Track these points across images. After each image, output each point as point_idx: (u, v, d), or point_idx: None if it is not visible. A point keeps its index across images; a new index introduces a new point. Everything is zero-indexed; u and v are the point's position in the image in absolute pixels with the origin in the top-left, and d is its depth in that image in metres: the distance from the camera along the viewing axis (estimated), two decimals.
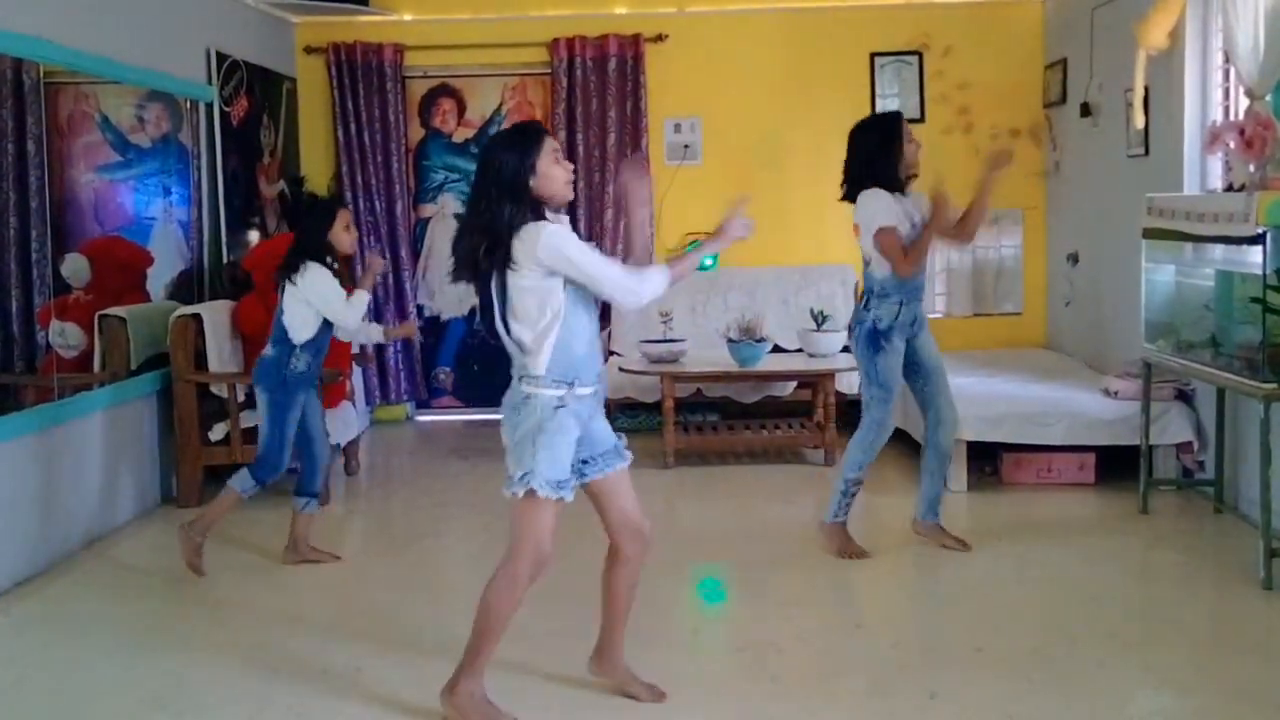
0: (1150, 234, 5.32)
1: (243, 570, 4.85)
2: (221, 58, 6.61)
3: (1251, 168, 4.70)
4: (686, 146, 7.79)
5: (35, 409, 4.94)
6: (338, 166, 7.76)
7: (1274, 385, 4.39)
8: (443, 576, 4.96)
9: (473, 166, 7.83)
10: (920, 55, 7.70)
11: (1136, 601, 4.48)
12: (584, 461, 3.31)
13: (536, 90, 7.89)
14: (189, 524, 4.71)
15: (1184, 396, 5.74)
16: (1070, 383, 6.34)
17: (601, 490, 3.37)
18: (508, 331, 3.24)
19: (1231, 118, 5.29)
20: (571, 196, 3.31)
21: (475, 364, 8.03)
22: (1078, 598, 4.37)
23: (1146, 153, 6.10)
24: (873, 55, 7.72)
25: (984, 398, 5.97)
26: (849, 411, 7.05)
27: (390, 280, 7.81)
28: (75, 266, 5.44)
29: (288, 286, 4.60)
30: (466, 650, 3.33)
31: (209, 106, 6.49)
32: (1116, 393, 5.88)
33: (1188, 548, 4.99)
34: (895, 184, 4.65)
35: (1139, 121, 5.84)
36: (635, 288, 3.17)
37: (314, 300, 4.58)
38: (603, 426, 3.38)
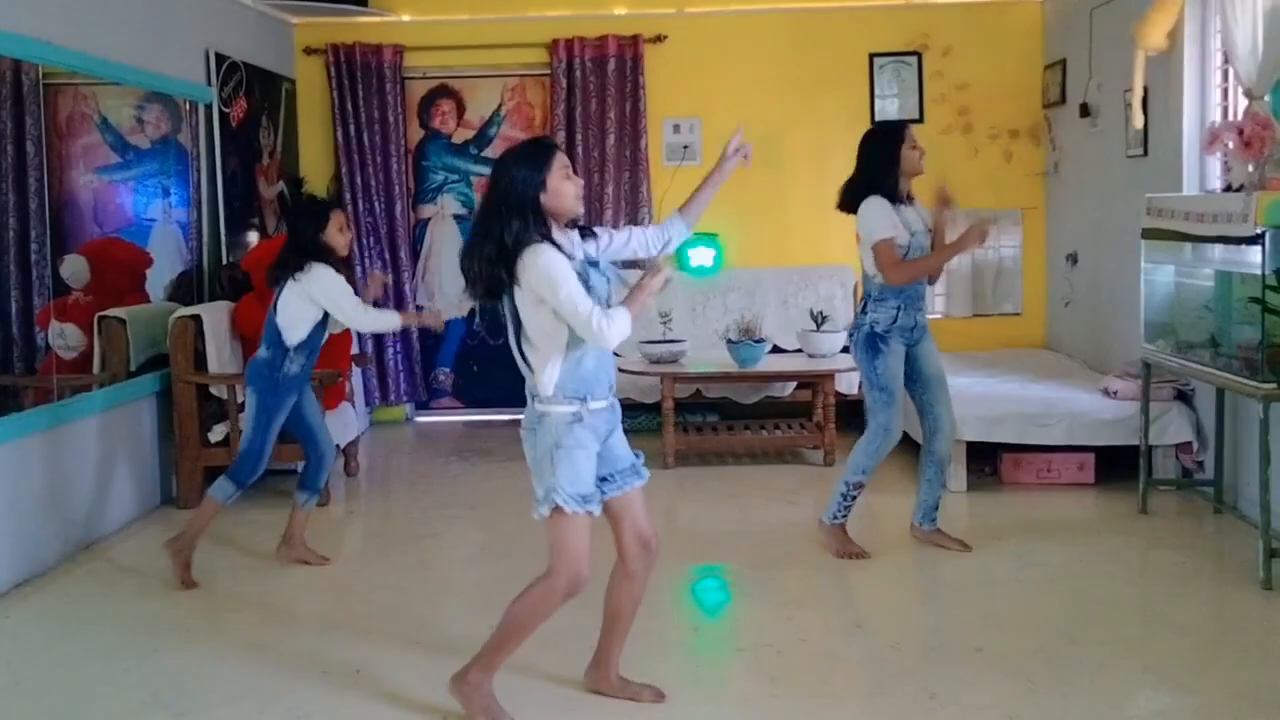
0: (1149, 234, 5.32)
1: (242, 571, 4.85)
2: (221, 59, 6.61)
3: (1250, 168, 4.71)
4: (686, 147, 7.79)
5: (35, 410, 4.94)
6: (337, 167, 7.76)
7: (1273, 385, 4.40)
8: (442, 577, 4.96)
9: (471, 167, 7.93)
10: (919, 56, 7.71)
11: (1136, 601, 4.48)
12: (602, 479, 3.32)
13: (536, 91, 7.89)
14: (174, 539, 4.68)
15: (1183, 397, 5.74)
16: (1070, 383, 6.34)
17: (617, 507, 3.38)
18: (520, 351, 3.26)
19: (1230, 118, 5.30)
20: (581, 211, 3.33)
21: (475, 365, 8.03)
22: (1078, 598, 4.37)
23: (1145, 153, 6.11)
24: (872, 56, 7.72)
25: (984, 398, 5.98)
26: (848, 412, 7.07)
27: (390, 281, 7.81)
28: (74, 268, 5.44)
29: (289, 284, 4.56)
30: (486, 645, 3.37)
31: (208, 107, 6.49)
32: (1116, 393, 5.88)
33: (1187, 548, 4.99)
34: (895, 193, 4.64)
35: (1138, 122, 5.84)
36: (603, 333, 3.14)
37: (322, 300, 4.56)
38: (621, 442, 3.39)
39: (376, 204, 7.74)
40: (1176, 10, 5.57)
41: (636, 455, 3.44)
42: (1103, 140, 6.70)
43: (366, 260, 7.74)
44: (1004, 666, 3.71)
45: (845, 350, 6.19)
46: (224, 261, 6.58)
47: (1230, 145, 4.77)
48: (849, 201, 4.73)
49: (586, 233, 3.39)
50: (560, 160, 3.23)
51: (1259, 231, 4.39)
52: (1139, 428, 5.43)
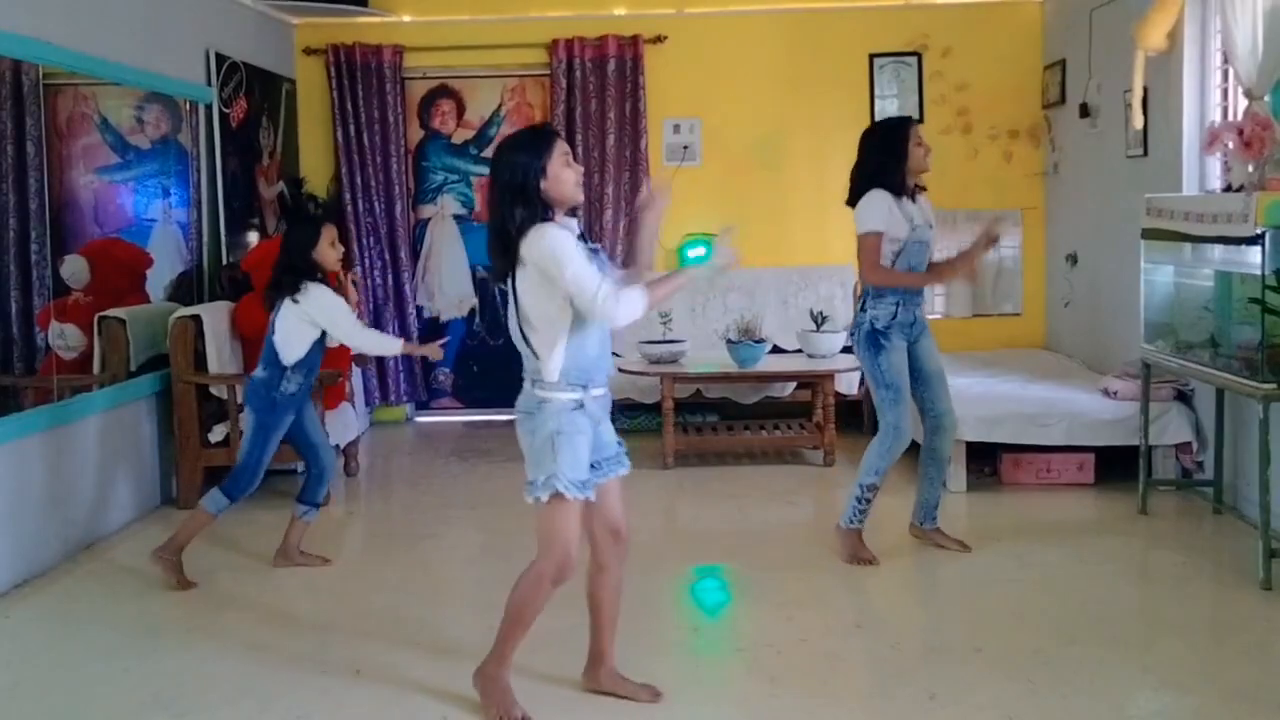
0: (1149, 234, 5.32)
1: (242, 571, 4.85)
2: (221, 59, 6.61)
3: (1250, 168, 4.71)
4: (686, 147, 7.79)
5: (35, 410, 4.94)
6: (337, 168, 7.76)
7: (1273, 385, 4.40)
8: (442, 577, 4.96)
9: (471, 167, 7.93)
10: (919, 56, 7.71)
11: (1136, 601, 4.48)
12: (591, 465, 3.32)
13: (536, 91, 7.89)
14: (161, 548, 4.66)
15: (1183, 397, 5.75)
16: (1069, 383, 6.34)
17: (599, 492, 3.37)
18: (523, 335, 3.25)
19: (1230, 118, 5.30)
20: (581, 199, 3.32)
21: (475, 365, 8.03)
22: (1078, 598, 4.37)
23: (1145, 153, 6.11)
24: (872, 56, 7.72)
25: (983, 398, 5.98)
26: (848, 412, 7.08)
27: (390, 281, 7.82)
28: (74, 268, 5.44)
29: (286, 305, 4.55)
30: (496, 639, 3.40)
31: (208, 108, 6.50)
32: (1116, 393, 5.88)
33: (1187, 548, 4.99)
34: (900, 188, 4.63)
35: (1138, 122, 5.84)
36: (612, 311, 3.14)
37: (321, 320, 4.55)
38: (608, 430, 3.40)
39: (376, 204, 7.74)
40: (1176, 10, 5.57)
41: (619, 443, 3.45)
42: (1102, 140, 6.70)
43: (367, 260, 7.74)
44: (1004, 666, 3.71)
45: (846, 350, 6.19)
46: (224, 262, 6.58)
47: (1230, 145, 4.77)
48: (854, 196, 4.70)
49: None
50: (560, 147, 3.23)
51: (1259, 232, 4.39)
52: (1139, 428, 5.43)
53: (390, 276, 7.81)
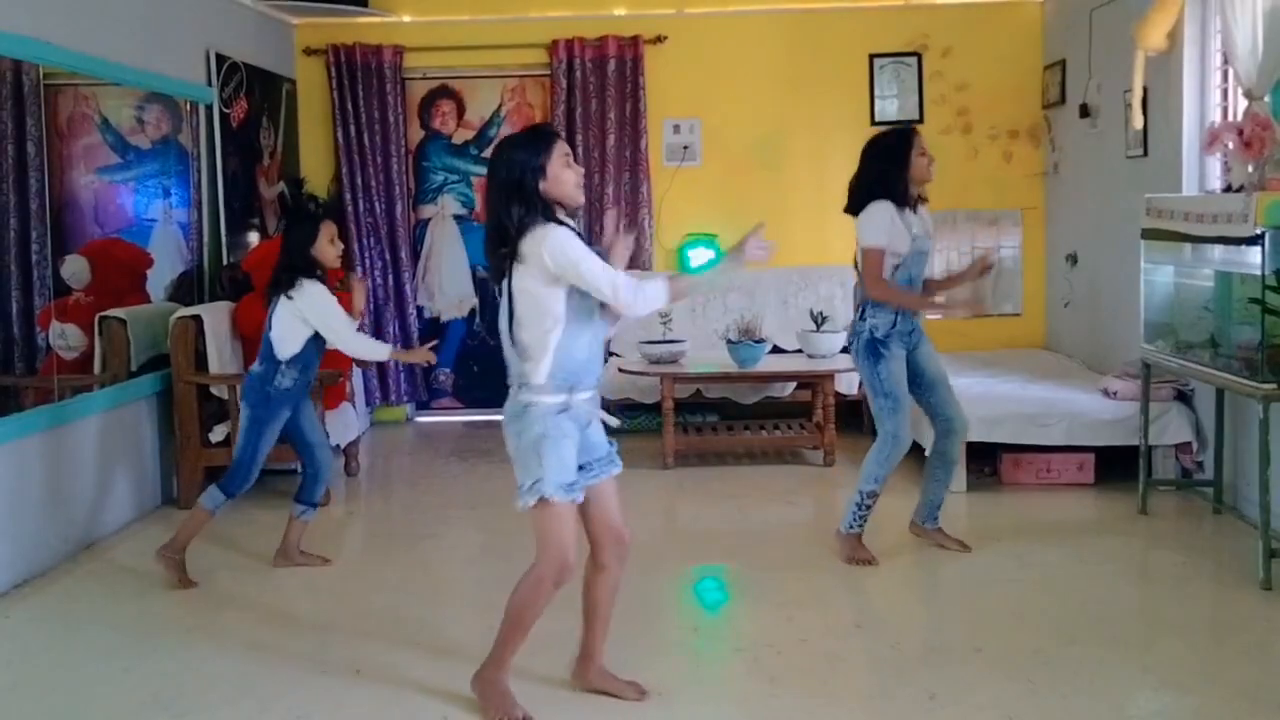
0: (1149, 235, 5.32)
1: (242, 571, 4.86)
2: (221, 59, 6.62)
3: (1250, 168, 4.71)
4: (686, 147, 7.80)
5: (35, 410, 4.94)
6: (337, 168, 7.76)
7: (1273, 386, 4.40)
8: (442, 577, 4.96)
9: (472, 167, 7.93)
10: (919, 56, 7.71)
11: (1136, 601, 4.49)
12: (580, 467, 3.31)
13: (536, 91, 7.89)
14: (164, 547, 4.69)
15: (1183, 397, 5.75)
16: (1069, 383, 6.35)
17: (589, 497, 3.37)
18: (511, 336, 3.24)
19: (1230, 118, 5.30)
20: (582, 200, 3.32)
21: (475, 365, 8.04)
22: (1078, 598, 4.37)
23: (1145, 153, 6.11)
24: (871, 56, 7.72)
25: (983, 398, 5.97)
26: (848, 412, 7.08)
27: (390, 281, 7.82)
28: (75, 268, 5.44)
29: (281, 302, 4.56)
30: (495, 643, 3.40)
31: (209, 108, 6.50)
32: (1115, 393, 5.88)
33: (1187, 548, 4.99)
34: (902, 198, 4.61)
35: (1138, 122, 5.84)
36: (631, 300, 3.16)
37: (313, 319, 4.55)
38: (598, 431, 3.39)
39: (377, 204, 7.74)
40: (1176, 10, 5.57)
41: (611, 444, 3.43)
42: (1102, 141, 6.70)
43: (367, 260, 7.75)
44: (1004, 666, 3.71)
45: (845, 351, 6.19)
46: (224, 262, 6.58)
47: (1230, 146, 4.77)
48: (854, 205, 4.69)
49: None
50: (560, 148, 3.23)
51: (1259, 232, 4.39)
52: (1139, 428, 5.43)
53: (390, 276, 7.81)
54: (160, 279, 6.19)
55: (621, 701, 3.51)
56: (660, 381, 6.56)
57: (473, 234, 7.92)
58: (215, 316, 5.90)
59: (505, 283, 3.21)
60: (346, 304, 4.74)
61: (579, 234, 3.25)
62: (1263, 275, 4.41)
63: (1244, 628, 4.13)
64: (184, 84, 6.23)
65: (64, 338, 5.31)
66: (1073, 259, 7.24)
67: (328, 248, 4.63)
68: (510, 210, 3.16)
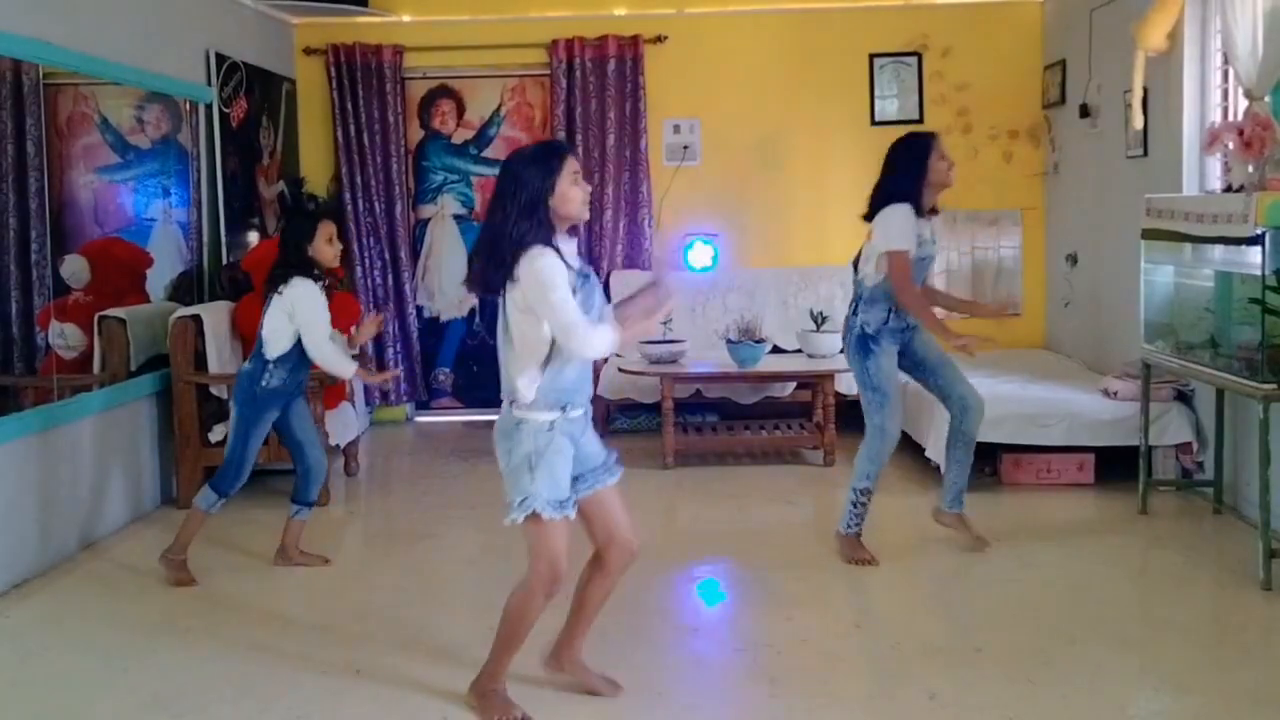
0: (1149, 235, 5.32)
1: (242, 571, 4.86)
2: (221, 59, 6.61)
3: (1250, 168, 4.71)
4: (686, 147, 7.79)
5: (35, 410, 4.94)
6: (337, 168, 7.76)
7: (1273, 386, 4.40)
8: (442, 577, 4.95)
9: (471, 167, 7.92)
10: (919, 56, 7.71)
11: (1136, 602, 4.48)
12: (575, 478, 3.31)
13: (536, 91, 7.89)
14: (166, 550, 4.71)
15: (1183, 397, 5.75)
16: (1069, 383, 6.34)
17: (589, 506, 3.37)
18: (504, 352, 3.25)
19: (1230, 118, 5.29)
20: (587, 217, 3.32)
21: (475, 365, 8.03)
22: (1078, 598, 4.37)
23: (1145, 154, 6.11)
24: (871, 56, 7.72)
25: (983, 398, 5.96)
26: (848, 412, 7.07)
27: (390, 281, 7.82)
28: (75, 268, 5.45)
29: (273, 298, 4.56)
30: (490, 653, 3.42)
31: (208, 108, 6.50)
32: (1115, 393, 5.88)
33: (1187, 548, 4.99)
34: (920, 205, 4.59)
35: (1138, 122, 5.84)
36: (586, 343, 3.12)
37: (296, 316, 4.54)
38: (593, 442, 3.38)
39: (376, 204, 7.74)
40: (1176, 11, 5.57)
41: (609, 452, 3.42)
42: (1102, 141, 6.70)
43: (367, 260, 7.74)
44: (1004, 666, 3.71)
45: (843, 351, 6.19)
46: (224, 261, 6.58)
47: (1230, 146, 4.77)
48: (875, 211, 4.65)
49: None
50: (571, 165, 3.22)
51: (1259, 232, 4.40)
52: (1139, 428, 5.43)
53: (390, 276, 7.81)
54: (160, 279, 6.19)
55: (622, 702, 3.51)
56: (660, 381, 6.55)
57: (472, 234, 7.90)
58: (215, 316, 5.90)
59: (502, 300, 3.21)
60: (345, 304, 4.74)
61: (580, 254, 3.24)
62: (1263, 275, 4.41)
63: (1244, 628, 4.13)
64: (184, 84, 6.23)
65: (63, 337, 5.31)
66: (1072, 259, 7.24)
67: (325, 247, 4.62)
68: (514, 225, 3.15)
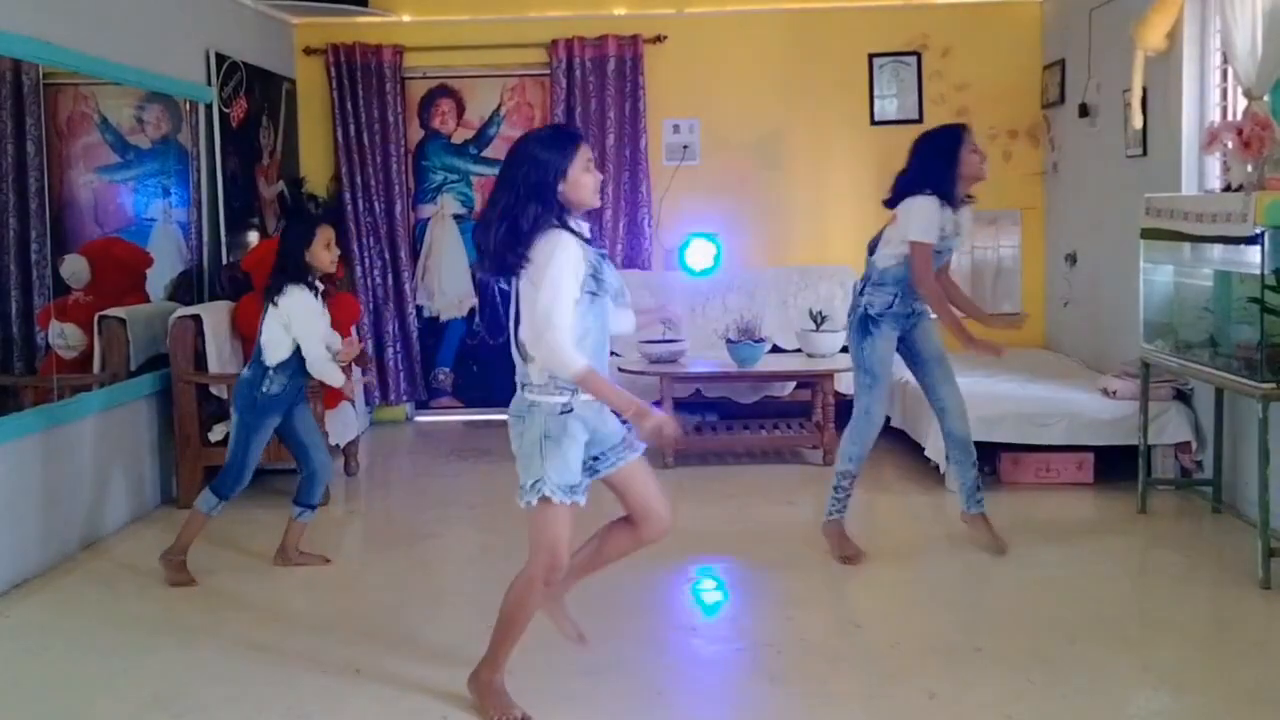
0: (1148, 234, 5.33)
1: (242, 571, 4.86)
2: (221, 59, 6.61)
3: (1249, 168, 4.71)
4: (685, 147, 7.80)
5: (35, 410, 4.94)
6: (337, 167, 7.76)
7: (1272, 385, 4.40)
8: (442, 577, 4.96)
9: (471, 167, 7.92)
10: (919, 56, 7.71)
11: (1136, 601, 4.49)
12: (595, 458, 3.32)
13: (535, 91, 7.89)
14: (167, 552, 4.71)
15: (1182, 396, 5.75)
16: (1068, 383, 6.35)
17: (618, 482, 3.39)
18: (516, 336, 3.23)
19: (1229, 118, 5.30)
20: (598, 204, 3.31)
21: (475, 364, 8.04)
22: (1077, 598, 4.37)
23: (1145, 153, 6.11)
24: (871, 56, 7.72)
25: (982, 398, 5.96)
26: (848, 412, 7.06)
27: (390, 281, 7.82)
28: (75, 267, 5.45)
29: (269, 309, 4.56)
30: (490, 643, 3.41)
31: (208, 107, 6.50)
32: (1115, 393, 5.88)
33: (1186, 547, 4.99)
34: (950, 196, 4.58)
35: (1137, 122, 5.84)
36: (554, 347, 3.09)
37: (292, 326, 4.54)
38: (610, 422, 3.36)
39: (376, 204, 7.74)
40: (1176, 10, 5.58)
41: (627, 426, 3.35)
42: (1102, 140, 6.70)
43: (366, 260, 7.75)
44: (1004, 666, 3.71)
45: (845, 350, 6.19)
46: (224, 261, 6.58)
47: (1229, 145, 4.77)
48: (897, 198, 4.63)
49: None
50: (584, 152, 3.21)
51: (1258, 231, 4.40)
52: (1138, 427, 5.43)
53: (390, 276, 7.81)
54: (160, 278, 6.19)
55: (622, 702, 3.51)
56: (660, 381, 6.55)
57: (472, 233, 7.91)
58: (215, 316, 5.90)
59: (515, 282, 3.20)
60: (345, 303, 4.74)
61: (590, 239, 3.22)
62: (1262, 275, 4.41)
63: (1244, 627, 4.13)
64: (184, 83, 6.23)
65: (63, 337, 5.31)
66: (1072, 259, 7.24)
67: (323, 253, 4.61)
68: (527, 209, 3.13)
